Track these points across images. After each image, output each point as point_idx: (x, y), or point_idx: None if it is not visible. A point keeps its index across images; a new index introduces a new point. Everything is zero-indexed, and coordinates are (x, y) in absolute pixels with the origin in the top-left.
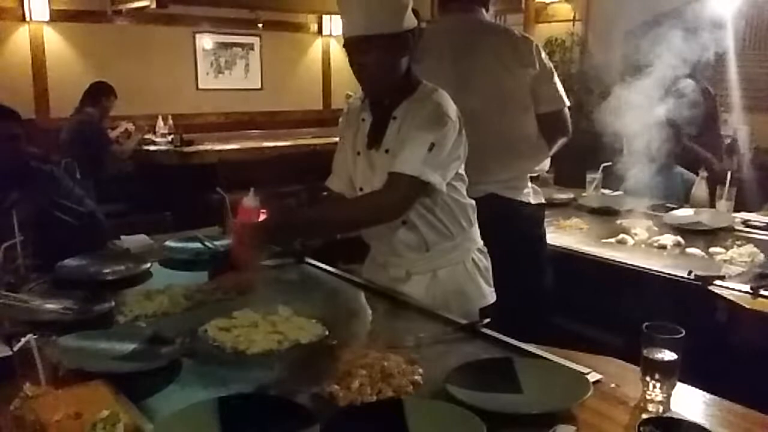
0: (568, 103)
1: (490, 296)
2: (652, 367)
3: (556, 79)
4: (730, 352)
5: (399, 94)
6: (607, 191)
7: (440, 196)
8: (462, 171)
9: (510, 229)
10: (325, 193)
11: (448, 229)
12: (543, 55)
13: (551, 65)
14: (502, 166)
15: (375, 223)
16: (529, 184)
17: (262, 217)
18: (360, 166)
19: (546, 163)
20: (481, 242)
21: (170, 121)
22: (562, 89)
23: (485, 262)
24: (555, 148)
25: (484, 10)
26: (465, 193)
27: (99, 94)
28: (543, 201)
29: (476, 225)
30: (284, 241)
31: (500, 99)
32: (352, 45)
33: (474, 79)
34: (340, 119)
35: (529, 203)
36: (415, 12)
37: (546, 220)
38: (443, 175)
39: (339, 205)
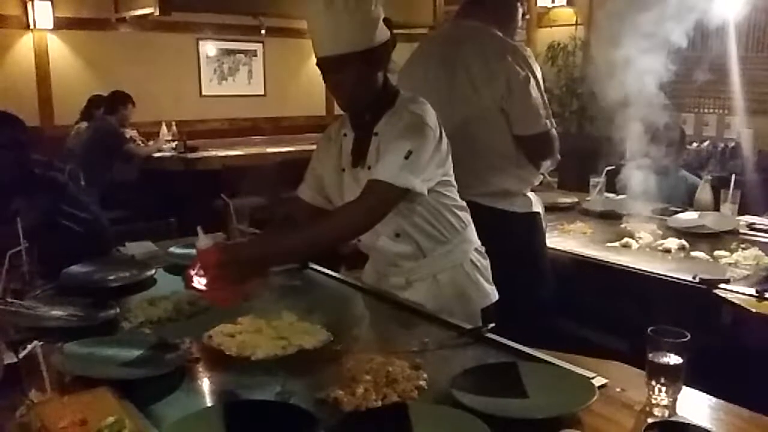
0: (548, 127)
1: (492, 294)
2: (658, 371)
3: (534, 101)
4: (735, 356)
5: (378, 108)
6: (610, 195)
7: (427, 202)
8: (450, 176)
9: (490, 237)
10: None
11: (442, 233)
12: (521, 75)
13: (531, 86)
14: (477, 180)
15: (356, 232)
16: (525, 193)
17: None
18: (346, 182)
19: (538, 178)
20: (479, 242)
21: (174, 128)
22: (542, 111)
23: (483, 261)
24: (543, 170)
25: (491, 20)
26: (457, 196)
27: (116, 102)
28: (535, 210)
29: (471, 225)
30: (263, 271)
31: (469, 115)
32: (324, 64)
33: (448, 93)
34: None
35: (514, 212)
36: (387, 21)
37: (550, 224)
38: (424, 179)
39: (316, 224)
